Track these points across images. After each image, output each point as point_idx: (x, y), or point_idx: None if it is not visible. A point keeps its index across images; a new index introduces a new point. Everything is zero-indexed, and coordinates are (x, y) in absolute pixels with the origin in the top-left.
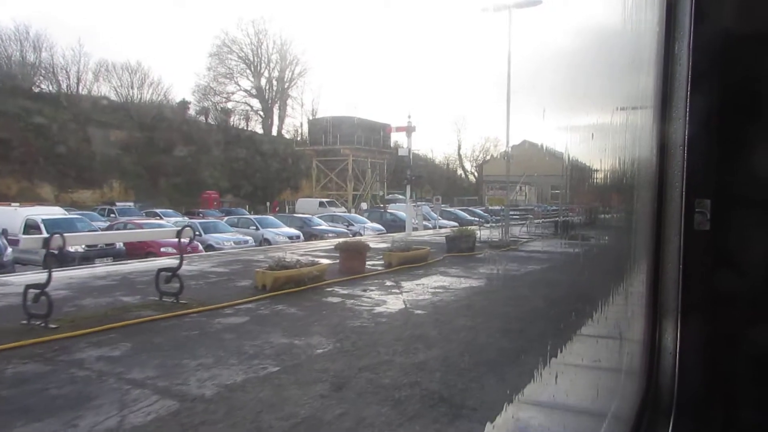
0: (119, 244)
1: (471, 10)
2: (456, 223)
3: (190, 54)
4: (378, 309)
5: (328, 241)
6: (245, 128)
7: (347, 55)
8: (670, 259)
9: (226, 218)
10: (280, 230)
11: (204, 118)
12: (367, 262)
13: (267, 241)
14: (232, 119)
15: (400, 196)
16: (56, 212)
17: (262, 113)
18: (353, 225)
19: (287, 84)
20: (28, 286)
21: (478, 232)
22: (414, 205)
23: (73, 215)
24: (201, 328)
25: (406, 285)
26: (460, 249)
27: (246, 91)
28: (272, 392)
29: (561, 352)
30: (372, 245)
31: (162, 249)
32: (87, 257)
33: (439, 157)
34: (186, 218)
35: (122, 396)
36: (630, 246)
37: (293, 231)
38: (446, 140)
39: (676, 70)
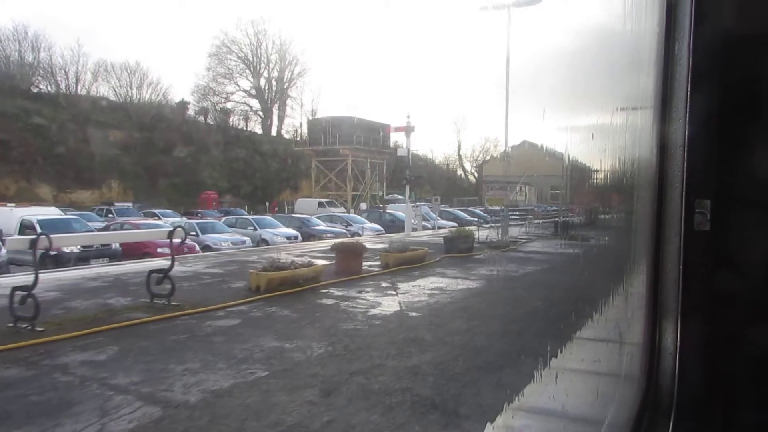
0: (115, 245)
1: (470, 9)
2: (455, 224)
3: (190, 54)
4: (372, 311)
5: (326, 241)
6: (244, 128)
7: (347, 56)
8: (670, 260)
9: (223, 218)
10: (278, 231)
11: (203, 119)
12: (364, 263)
13: (265, 242)
14: (231, 119)
15: (400, 197)
16: (52, 213)
17: (261, 113)
18: (352, 225)
19: (286, 84)
20: (14, 288)
21: (476, 232)
22: (413, 206)
23: (69, 216)
24: (191, 331)
25: (403, 286)
26: (458, 250)
27: (245, 91)
28: (259, 398)
29: (560, 353)
30: (369, 246)
31: (159, 249)
32: (82, 258)
33: (439, 158)
34: (184, 219)
35: (104, 402)
36: (630, 246)
37: (291, 231)
38: (446, 140)
39: (676, 70)
